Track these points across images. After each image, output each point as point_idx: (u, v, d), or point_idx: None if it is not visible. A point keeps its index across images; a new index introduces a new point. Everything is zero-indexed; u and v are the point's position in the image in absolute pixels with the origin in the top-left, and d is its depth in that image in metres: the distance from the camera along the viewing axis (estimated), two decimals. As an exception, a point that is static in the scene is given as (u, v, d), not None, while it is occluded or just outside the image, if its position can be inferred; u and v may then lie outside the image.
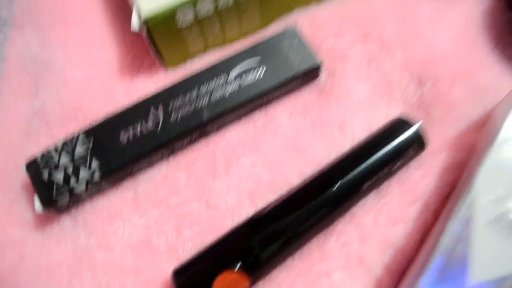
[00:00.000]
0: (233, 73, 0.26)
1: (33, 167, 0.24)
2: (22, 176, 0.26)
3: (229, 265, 0.22)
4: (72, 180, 0.24)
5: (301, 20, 0.29)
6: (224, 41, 0.29)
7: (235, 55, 0.26)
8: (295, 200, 0.23)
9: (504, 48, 0.28)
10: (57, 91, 0.27)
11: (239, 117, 0.27)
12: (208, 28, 0.27)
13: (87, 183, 0.24)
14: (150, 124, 0.25)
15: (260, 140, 0.26)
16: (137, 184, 0.26)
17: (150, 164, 0.26)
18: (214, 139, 0.26)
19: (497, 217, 0.19)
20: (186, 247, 0.24)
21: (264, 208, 0.23)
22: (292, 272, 0.23)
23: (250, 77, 0.26)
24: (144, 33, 0.25)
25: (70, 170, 0.24)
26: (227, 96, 0.26)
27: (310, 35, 0.28)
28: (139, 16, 0.24)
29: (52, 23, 0.30)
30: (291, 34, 0.27)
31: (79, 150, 0.24)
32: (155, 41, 0.26)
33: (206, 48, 0.29)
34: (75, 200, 0.25)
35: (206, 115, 0.25)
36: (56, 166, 0.24)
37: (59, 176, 0.24)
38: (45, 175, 0.24)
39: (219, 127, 0.27)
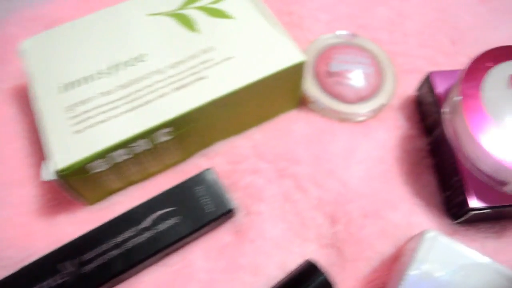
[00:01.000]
0: (148, 220, 0.27)
1: None
2: None
3: None
4: None
5: (220, 153, 0.30)
6: (146, 176, 0.31)
7: (150, 201, 0.27)
8: None
9: (415, 180, 0.30)
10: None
11: (154, 262, 0.28)
12: (126, 169, 0.28)
13: None
14: (60, 279, 0.25)
15: (175, 284, 0.27)
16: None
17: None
18: (130, 284, 0.27)
19: None
20: None
21: None
22: None
23: (165, 225, 0.27)
24: (58, 181, 0.26)
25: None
26: (142, 244, 0.26)
27: (228, 171, 0.30)
28: (50, 166, 0.25)
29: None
30: (207, 177, 0.28)
31: (-15, 308, 0.24)
32: (72, 186, 0.27)
33: (127, 184, 0.30)
34: None
35: (119, 266, 0.26)
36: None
37: None
38: None
39: (133, 274, 0.27)
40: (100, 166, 0.27)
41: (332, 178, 0.29)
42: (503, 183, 0.26)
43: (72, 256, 0.26)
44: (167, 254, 0.28)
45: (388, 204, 0.29)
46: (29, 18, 0.37)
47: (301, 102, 0.34)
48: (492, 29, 0.37)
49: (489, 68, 0.28)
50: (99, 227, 0.27)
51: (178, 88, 0.28)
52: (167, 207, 0.27)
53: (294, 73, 0.30)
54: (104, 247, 0.26)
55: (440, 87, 0.31)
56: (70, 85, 0.28)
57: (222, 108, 0.29)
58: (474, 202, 0.27)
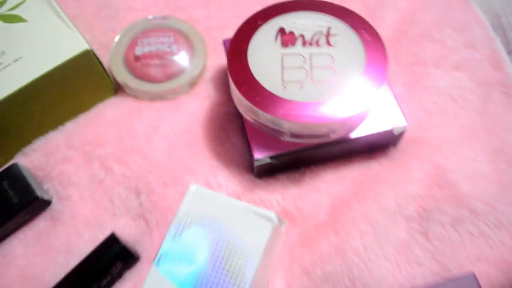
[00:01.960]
0: None
1: None
2: None
3: None
4: None
5: (34, 149, 0.33)
6: None
7: None
8: None
9: (222, 144, 0.33)
10: None
11: None
12: None
13: None
14: None
15: None
16: None
17: None
18: None
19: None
20: None
21: None
22: None
23: None
24: None
25: None
26: None
27: (41, 163, 0.32)
28: None
29: None
30: (14, 172, 0.30)
31: None
32: None
33: None
34: None
35: None
36: None
37: None
38: None
39: None
40: None
41: (134, 154, 0.32)
42: (281, 133, 0.29)
43: None
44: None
45: (189, 170, 0.31)
46: None
47: (119, 89, 0.36)
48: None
49: (259, 25, 0.31)
50: None
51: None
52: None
53: (85, 62, 0.32)
54: None
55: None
56: None
57: (22, 105, 0.31)
58: (258, 153, 0.30)
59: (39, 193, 0.30)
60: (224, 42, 0.34)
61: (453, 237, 0.29)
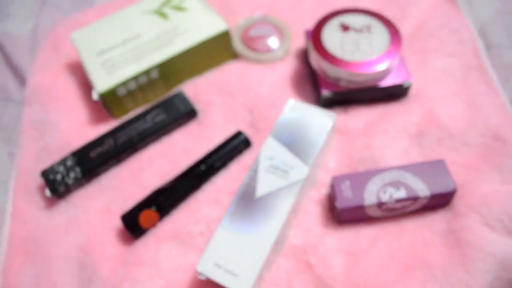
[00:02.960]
0: (148, 117, 0.53)
1: (45, 174, 0.50)
2: (37, 181, 0.52)
3: (148, 207, 0.47)
4: (66, 178, 0.50)
5: (188, 86, 0.57)
6: (147, 102, 0.57)
7: (149, 107, 0.54)
8: (180, 177, 0.50)
9: (300, 89, 0.56)
10: (54, 136, 0.54)
11: (155, 140, 0.54)
12: (135, 95, 0.55)
13: (74, 179, 0.50)
14: (106, 147, 0.52)
15: (167, 151, 0.53)
16: (101, 180, 0.52)
17: (108, 168, 0.52)
18: (142, 153, 0.53)
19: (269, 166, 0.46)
20: (127, 207, 0.49)
21: (164, 183, 0.50)
22: (181, 211, 0.49)
23: (157, 118, 0.53)
24: (100, 101, 0.53)
25: (64, 173, 0.50)
26: (146, 129, 0.53)
27: (193, 93, 0.56)
28: (96, 91, 0.52)
29: (48, 99, 0.57)
30: (179, 94, 0.55)
31: (69, 163, 0.51)
32: (107, 104, 0.54)
33: (137, 106, 0.57)
34: (67, 190, 0.51)
35: (135, 139, 0.52)
36: (57, 172, 0.50)
37: (59, 176, 0.50)
38: (51, 176, 0.50)
39: (144, 146, 0.54)
40: (121, 91, 0.53)
41: (250, 90, 0.56)
42: (338, 80, 0.52)
43: (112, 135, 0.52)
44: (161, 136, 0.54)
45: (281, 101, 0.55)
46: (68, 22, 0.65)
47: (235, 56, 0.60)
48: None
49: (326, 21, 0.55)
50: (124, 121, 0.53)
51: (159, 48, 0.55)
52: (159, 109, 0.54)
53: (224, 37, 0.56)
54: (127, 130, 0.53)
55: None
56: (101, 51, 0.55)
57: (184, 58, 0.55)
58: (324, 90, 0.53)
59: (193, 107, 0.55)
60: (306, 31, 0.58)
61: (436, 149, 0.51)
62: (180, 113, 0.53)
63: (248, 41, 0.59)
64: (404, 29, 0.60)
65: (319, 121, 0.47)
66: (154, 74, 0.54)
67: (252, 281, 0.40)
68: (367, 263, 0.44)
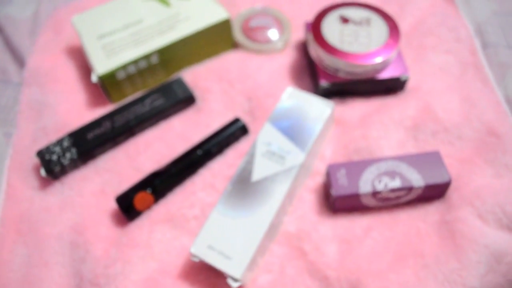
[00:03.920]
0: (147, 101, 0.53)
1: (41, 154, 0.50)
2: (32, 161, 0.51)
3: (143, 189, 0.47)
4: (61, 158, 0.49)
5: (187, 72, 0.57)
6: (146, 87, 0.57)
7: (148, 91, 0.53)
8: (176, 161, 0.49)
9: (299, 79, 0.56)
10: (51, 117, 0.53)
11: (152, 124, 0.53)
12: (134, 80, 0.54)
13: (70, 160, 0.49)
14: (103, 129, 0.51)
15: (164, 135, 0.52)
16: (97, 162, 0.51)
17: (104, 151, 0.52)
18: (139, 137, 0.53)
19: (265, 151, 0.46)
20: (122, 189, 0.49)
21: (160, 167, 0.49)
22: (176, 195, 0.48)
23: (156, 103, 0.53)
24: (99, 83, 0.52)
25: (60, 153, 0.49)
26: (144, 113, 0.52)
27: (191, 80, 0.56)
28: (96, 74, 0.51)
29: (47, 81, 0.57)
30: (178, 80, 0.54)
31: (65, 144, 0.50)
32: (106, 87, 0.53)
33: (135, 91, 0.56)
34: (63, 170, 0.50)
35: (133, 123, 0.52)
36: (53, 152, 0.50)
37: (54, 157, 0.49)
38: (47, 157, 0.49)
39: (141, 130, 0.53)
40: (121, 75, 0.53)
41: (248, 78, 0.55)
42: (337, 70, 0.52)
43: (109, 118, 0.52)
44: (158, 121, 0.53)
45: (280, 89, 0.54)
46: (70, 7, 0.64)
47: (235, 45, 0.60)
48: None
49: (326, 13, 0.54)
50: (123, 105, 0.52)
51: (160, 34, 0.54)
52: (157, 94, 0.53)
53: (224, 26, 0.56)
54: (125, 114, 0.52)
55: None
56: (102, 35, 0.55)
57: (184, 44, 0.55)
58: (322, 81, 0.53)
59: (192, 93, 0.54)
60: (306, 23, 0.58)
61: (431, 142, 0.51)
62: (178, 99, 0.53)
63: (248, 31, 0.59)
64: (403, 26, 0.60)
65: (317, 109, 0.47)
66: (154, 60, 0.54)
67: (245, 264, 0.40)
68: (361, 251, 0.43)
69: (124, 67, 0.52)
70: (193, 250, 0.41)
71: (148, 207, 0.47)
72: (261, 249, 0.42)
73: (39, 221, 0.48)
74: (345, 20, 0.53)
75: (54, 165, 0.48)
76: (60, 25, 0.63)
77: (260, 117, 0.53)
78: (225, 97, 0.55)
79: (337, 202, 0.45)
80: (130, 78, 0.53)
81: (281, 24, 0.60)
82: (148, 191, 0.46)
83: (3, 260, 0.45)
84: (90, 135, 0.50)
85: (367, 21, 0.53)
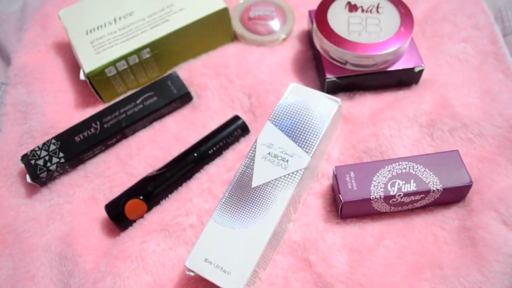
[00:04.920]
0: (139, 100, 0.49)
1: (25, 158, 0.46)
2: (18, 166, 0.47)
3: (135, 196, 0.43)
4: (48, 164, 0.46)
5: (182, 68, 0.53)
6: (139, 85, 0.53)
7: (140, 89, 0.49)
8: (171, 164, 0.45)
9: (303, 74, 0.52)
10: (38, 119, 0.50)
11: (145, 125, 0.49)
12: (126, 77, 0.50)
13: (57, 165, 0.46)
14: (92, 131, 0.47)
15: (158, 137, 0.49)
16: (86, 167, 0.48)
17: (94, 154, 0.48)
18: (131, 138, 0.49)
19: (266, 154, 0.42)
20: (114, 195, 0.45)
21: (153, 171, 0.45)
22: (171, 201, 0.44)
23: (148, 102, 0.49)
24: (88, 82, 0.48)
25: (46, 158, 0.46)
26: (136, 113, 0.48)
27: (187, 76, 0.52)
28: (83, 71, 0.48)
29: (33, 80, 0.53)
30: (173, 76, 0.50)
31: (52, 147, 0.46)
32: (95, 86, 0.49)
33: (128, 89, 0.52)
34: (50, 176, 0.46)
35: (124, 124, 0.48)
36: (39, 157, 0.46)
37: (40, 162, 0.46)
38: (32, 161, 0.46)
39: (133, 132, 0.49)
40: (110, 71, 0.49)
41: (248, 73, 0.51)
42: (344, 63, 0.48)
43: (98, 119, 0.48)
44: (151, 121, 0.50)
45: (283, 85, 0.50)
46: (58, 1, 0.60)
47: (235, 38, 0.56)
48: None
49: (332, 1, 0.50)
50: (112, 104, 0.49)
51: (152, 27, 0.50)
52: (150, 92, 0.49)
53: (222, 16, 0.52)
54: (116, 114, 0.48)
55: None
56: (91, 30, 0.51)
57: (178, 37, 0.51)
58: (329, 74, 0.48)
59: (187, 90, 0.50)
60: (310, 11, 0.54)
61: (449, 139, 0.46)
62: (173, 96, 0.49)
63: (248, 22, 0.55)
64: (416, 13, 0.55)
65: (322, 106, 0.43)
66: (146, 55, 0.50)
67: (245, 279, 0.36)
68: (372, 262, 0.39)
69: (113, 63, 0.48)
70: (188, 263, 0.37)
71: (140, 215, 0.43)
72: (263, 261, 0.38)
73: (25, 231, 0.44)
74: (352, 7, 0.49)
75: (40, 170, 0.45)
76: (48, 19, 0.59)
77: (262, 115, 0.49)
78: (223, 94, 0.51)
79: (346, 208, 0.40)
80: (121, 75, 0.50)
81: (283, 14, 0.55)
82: (140, 198, 0.43)
83: (-13, 273, 0.42)
84: (78, 138, 0.47)
85: (377, 8, 0.48)
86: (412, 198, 0.40)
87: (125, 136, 0.48)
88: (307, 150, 0.41)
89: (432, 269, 0.39)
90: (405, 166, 0.41)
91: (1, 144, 0.49)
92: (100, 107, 0.51)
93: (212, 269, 0.37)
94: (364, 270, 0.39)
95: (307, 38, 0.55)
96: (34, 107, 0.51)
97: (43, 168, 0.45)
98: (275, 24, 0.55)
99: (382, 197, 0.40)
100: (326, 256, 0.40)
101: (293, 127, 0.42)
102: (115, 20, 0.51)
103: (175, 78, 0.50)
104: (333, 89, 0.49)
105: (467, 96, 0.48)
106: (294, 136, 0.41)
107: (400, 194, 0.39)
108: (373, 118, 0.47)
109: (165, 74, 0.51)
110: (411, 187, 0.40)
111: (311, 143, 0.41)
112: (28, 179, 0.45)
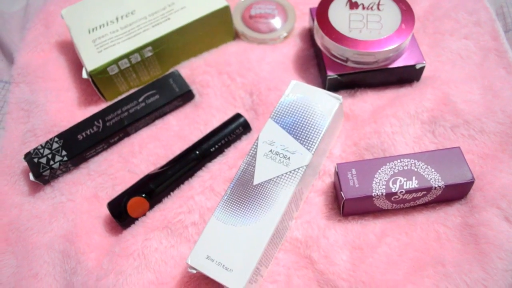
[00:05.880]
0: (141, 98, 0.49)
1: (28, 156, 0.46)
2: (21, 164, 0.47)
3: (137, 194, 0.43)
4: (51, 162, 0.45)
5: (184, 66, 0.52)
6: (141, 83, 0.52)
7: (142, 87, 0.49)
8: (173, 162, 0.45)
9: (304, 71, 0.51)
10: (41, 117, 0.50)
11: (147, 123, 0.49)
12: (128, 76, 0.50)
13: (59, 163, 0.45)
14: (94, 129, 0.47)
15: (160, 135, 0.48)
16: (89, 165, 0.47)
17: (96, 152, 0.48)
18: (133, 137, 0.48)
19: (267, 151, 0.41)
20: (116, 193, 0.45)
21: (156, 169, 0.45)
22: (173, 199, 0.44)
23: (150, 100, 0.48)
24: (90, 80, 0.48)
25: (49, 156, 0.46)
26: (138, 111, 0.48)
27: (189, 74, 0.51)
28: (86, 70, 0.47)
29: (36, 79, 0.53)
30: (175, 74, 0.50)
31: (55, 146, 0.46)
32: (97, 84, 0.49)
33: (130, 88, 0.52)
34: (53, 174, 0.46)
35: (126, 122, 0.47)
36: (42, 155, 0.46)
37: (43, 160, 0.45)
38: (35, 160, 0.45)
39: (135, 130, 0.49)
40: (113, 70, 0.49)
41: (250, 71, 0.51)
42: (345, 60, 0.47)
43: (101, 117, 0.47)
44: (154, 120, 0.49)
45: (284, 83, 0.50)
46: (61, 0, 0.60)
47: (236, 36, 0.55)
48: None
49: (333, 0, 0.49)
50: (115, 102, 0.48)
51: (154, 26, 0.50)
52: (152, 90, 0.49)
53: (223, 14, 0.51)
54: (118, 112, 0.48)
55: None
56: (93, 28, 0.50)
57: (180, 36, 0.50)
58: (330, 72, 0.48)
59: (189, 88, 0.50)
60: (311, 9, 0.53)
61: (451, 136, 0.46)
62: (175, 95, 0.48)
63: (249, 20, 0.54)
64: (416, 10, 0.54)
65: (324, 103, 0.42)
66: (148, 53, 0.49)
67: (247, 277, 0.35)
68: (374, 259, 0.39)
69: (116, 61, 0.48)
70: (190, 261, 0.37)
71: (142, 213, 0.43)
72: (265, 259, 0.38)
73: (28, 229, 0.44)
74: (353, 4, 0.48)
75: (43, 169, 0.45)
76: (51, 18, 0.58)
77: (263, 113, 0.48)
78: (225, 92, 0.50)
79: (348, 205, 0.40)
80: (123, 74, 0.49)
81: (284, 11, 0.55)
82: (143, 196, 0.42)
83: (-10, 271, 0.42)
84: (81, 136, 0.46)
85: (378, 5, 0.48)
86: (414, 195, 0.40)
87: (127, 134, 0.48)
88: (308, 148, 0.40)
89: (434, 266, 0.38)
90: (406, 163, 0.40)
91: (4, 143, 0.49)
92: (103, 105, 0.51)
93: (214, 267, 0.36)
94: (366, 267, 0.39)
95: (308, 36, 0.54)
96: (37, 106, 0.51)
97: (46, 166, 0.45)
98: (276, 22, 0.54)
99: (384, 194, 0.39)
100: (328, 253, 0.39)
101: (294, 125, 0.41)
102: (117, 19, 0.50)
103: (177, 76, 0.50)
104: (334, 87, 0.49)
105: (468, 93, 0.48)
106: (296, 134, 0.41)
107: (402, 191, 0.39)
108: (375, 115, 0.47)
109: (167, 73, 0.51)
110: (413, 184, 0.39)
111: (312, 140, 0.40)
112: (31, 177, 0.45)
